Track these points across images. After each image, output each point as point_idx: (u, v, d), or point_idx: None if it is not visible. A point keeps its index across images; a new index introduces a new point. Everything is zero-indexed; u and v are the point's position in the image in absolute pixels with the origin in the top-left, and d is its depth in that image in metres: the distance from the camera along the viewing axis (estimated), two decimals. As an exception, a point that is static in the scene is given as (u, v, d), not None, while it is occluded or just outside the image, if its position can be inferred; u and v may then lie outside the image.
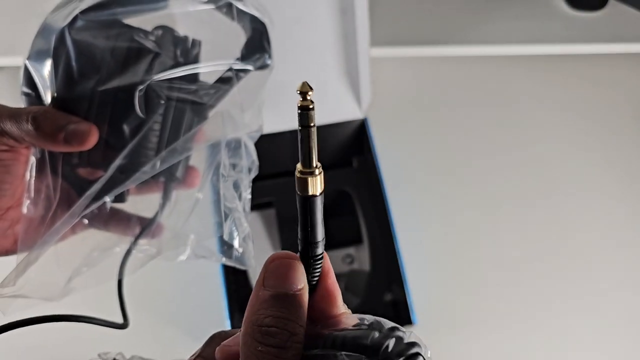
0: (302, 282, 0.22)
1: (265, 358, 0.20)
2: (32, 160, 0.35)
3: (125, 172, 0.34)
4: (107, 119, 0.34)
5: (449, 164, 0.72)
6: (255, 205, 0.65)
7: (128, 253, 0.38)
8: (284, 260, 0.22)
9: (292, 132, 0.65)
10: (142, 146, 0.34)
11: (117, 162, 0.34)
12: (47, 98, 0.34)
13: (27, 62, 0.34)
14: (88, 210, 0.34)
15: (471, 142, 0.73)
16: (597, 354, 0.60)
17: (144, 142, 0.34)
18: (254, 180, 0.65)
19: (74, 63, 0.33)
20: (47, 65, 0.34)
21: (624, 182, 0.70)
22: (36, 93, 0.35)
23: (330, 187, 0.65)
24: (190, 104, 0.35)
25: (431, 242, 0.65)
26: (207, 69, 0.37)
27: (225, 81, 0.37)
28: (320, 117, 0.65)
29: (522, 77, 0.78)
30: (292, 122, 0.65)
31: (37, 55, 0.34)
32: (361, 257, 0.64)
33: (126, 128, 0.34)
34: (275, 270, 0.21)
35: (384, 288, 0.60)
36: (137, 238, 0.38)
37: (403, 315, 0.58)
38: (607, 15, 0.68)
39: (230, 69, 0.37)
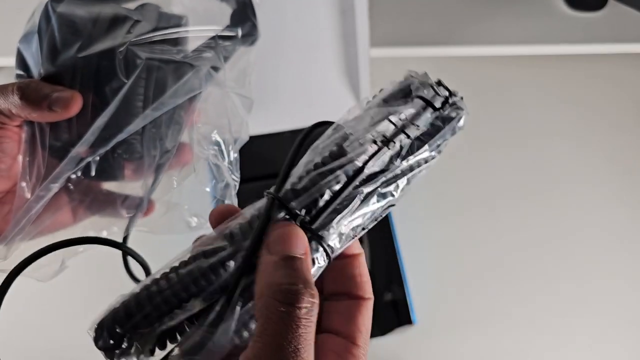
0: (304, 247, 0.22)
1: (288, 318, 0.20)
2: (24, 138, 0.35)
3: (111, 133, 0.34)
4: (91, 86, 0.34)
5: (449, 163, 0.72)
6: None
7: (127, 236, 0.38)
8: (286, 228, 0.23)
9: (292, 132, 0.65)
10: (127, 104, 0.34)
11: (100, 121, 0.33)
12: (36, 74, 0.35)
13: (18, 45, 0.35)
14: (71, 173, 0.34)
15: (471, 141, 0.73)
16: (598, 354, 0.60)
17: (129, 100, 0.34)
18: (252, 180, 0.65)
19: (57, 34, 0.34)
20: (34, 43, 0.34)
21: (623, 181, 0.70)
22: (27, 73, 0.35)
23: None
24: (173, 65, 0.35)
25: (431, 242, 0.65)
26: (190, 34, 0.37)
27: (208, 46, 0.38)
28: (321, 117, 0.65)
29: (522, 77, 0.78)
30: (291, 122, 0.65)
31: (26, 36, 0.35)
32: (361, 257, 0.64)
33: (110, 93, 0.34)
34: (278, 237, 0.22)
35: (384, 288, 0.60)
36: (132, 218, 0.38)
37: (403, 315, 0.58)
38: (607, 16, 0.68)
39: (214, 37, 0.37)
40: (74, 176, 0.35)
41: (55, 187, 0.34)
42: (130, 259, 0.35)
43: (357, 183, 0.24)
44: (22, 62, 0.35)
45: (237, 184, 0.40)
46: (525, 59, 0.76)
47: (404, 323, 0.58)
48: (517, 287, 0.63)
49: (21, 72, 0.35)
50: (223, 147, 0.40)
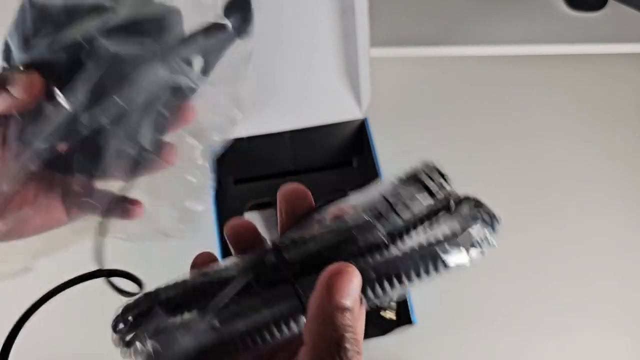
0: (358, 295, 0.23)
1: None
2: None
3: (76, 126, 0.33)
4: (59, 77, 0.33)
5: (448, 163, 0.72)
6: (255, 205, 0.66)
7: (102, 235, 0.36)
8: (356, 280, 0.23)
9: (292, 133, 0.66)
10: (93, 98, 0.33)
11: (62, 111, 0.32)
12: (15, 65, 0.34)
13: (7, 36, 0.34)
14: (32, 165, 0.33)
15: (470, 141, 0.74)
16: (599, 354, 0.60)
17: (95, 93, 0.33)
18: (251, 180, 0.66)
19: (30, 24, 0.33)
20: (15, 34, 0.34)
21: (623, 181, 0.71)
22: (9, 64, 0.34)
23: (330, 187, 0.65)
24: (144, 59, 0.34)
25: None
26: (174, 25, 0.35)
27: (194, 40, 0.36)
28: (321, 117, 0.66)
29: (521, 76, 0.78)
30: (291, 123, 0.65)
31: (10, 28, 0.34)
32: (361, 257, 0.64)
33: (82, 85, 0.33)
34: (353, 290, 0.23)
35: (383, 288, 0.60)
36: (104, 216, 0.36)
37: (402, 316, 0.58)
38: (607, 16, 0.68)
39: (204, 30, 0.36)
40: (32, 168, 0.34)
41: (15, 179, 0.33)
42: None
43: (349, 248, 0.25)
44: (6, 53, 0.35)
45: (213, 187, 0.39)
46: (525, 59, 0.76)
47: (403, 323, 0.58)
48: (518, 287, 0.63)
49: (5, 65, 0.35)
50: (209, 146, 0.39)
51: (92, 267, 0.31)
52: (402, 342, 0.59)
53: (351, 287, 0.23)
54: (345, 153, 0.67)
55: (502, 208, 0.68)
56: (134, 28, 0.34)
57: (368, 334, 0.58)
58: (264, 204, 0.67)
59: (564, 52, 0.67)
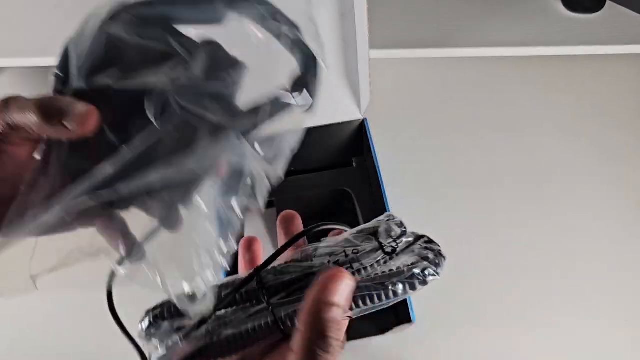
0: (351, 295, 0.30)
1: None
2: (40, 149, 0.32)
3: (123, 178, 0.30)
4: (118, 116, 0.31)
5: (447, 163, 0.73)
6: (257, 205, 0.66)
7: (113, 272, 0.34)
8: (344, 283, 0.28)
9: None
10: (149, 153, 0.30)
11: (112, 164, 0.30)
12: (73, 84, 0.32)
13: (68, 44, 0.32)
14: (72, 205, 0.30)
15: (469, 142, 0.74)
16: (599, 352, 0.60)
17: (150, 149, 0.30)
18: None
19: (103, 55, 0.31)
20: (81, 52, 0.32)
21: (618, 178, 0.71)
22: (66, 77, 0.32)
23: (330, 187, 0.66)
24: (210, 125, 0.31)
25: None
26: (245, 94, 0.32)
27: (259, 111, 0.33)
28: (321, 117, 0.66)
29: (519, 78, 0.79)
30: (291, 123, 0.65)
31: (76, 41, 0.32)
32: (361, 256, 0.65)
33: (134, 129, 0.30)
34: (343, 291, 0.28)
35: (383, 286, 0.61)
36: (126, 255, 0.33)
37: (402, 314, 0.59)
38: (604, 17, 0.69)
39: (268, 101, 0.33)
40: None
41: (54, 213, 0.30)
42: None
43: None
44: (63, 64, 0.32)
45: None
46: (523, 60, 0.76)
47: (403, 322, 0.59)
48: (517, 285, 0.63)
49: (59, 73, 0.32)
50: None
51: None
52: (401, 340, 0.60)
53: (341, 288, 0.28)
54: (345, 153, 0.68)
55: (500, 207, 0.69)
56: (203, 87, 0.31)
57: (368, 333, 0.59)
58: (266, 203, 0.67)
59: (562, 53, 0.67)
